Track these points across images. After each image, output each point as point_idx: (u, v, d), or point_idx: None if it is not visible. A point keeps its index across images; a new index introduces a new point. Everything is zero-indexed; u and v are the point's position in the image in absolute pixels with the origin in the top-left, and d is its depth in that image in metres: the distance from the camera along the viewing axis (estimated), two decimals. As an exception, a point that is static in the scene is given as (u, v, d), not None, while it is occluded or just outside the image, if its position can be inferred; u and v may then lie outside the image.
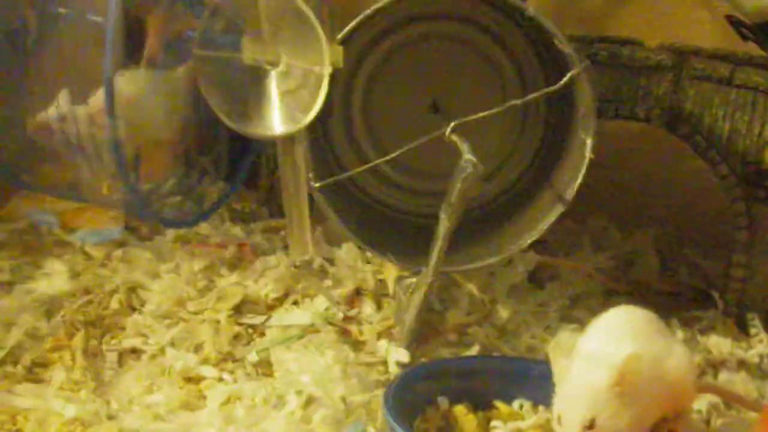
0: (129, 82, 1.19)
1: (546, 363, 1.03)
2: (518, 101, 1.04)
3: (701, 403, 1.01)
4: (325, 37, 0.80)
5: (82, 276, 1.22)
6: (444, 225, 0.97)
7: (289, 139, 0.87)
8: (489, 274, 1.23)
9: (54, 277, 1.21)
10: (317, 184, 1.04)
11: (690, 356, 0.89)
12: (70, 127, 1.16)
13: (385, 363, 1.05)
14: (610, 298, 1.27)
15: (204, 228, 1.35)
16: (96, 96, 1.15)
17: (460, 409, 0.95)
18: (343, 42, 0.95)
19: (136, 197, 1.17)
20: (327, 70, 0.80)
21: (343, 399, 0.95)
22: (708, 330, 1.18)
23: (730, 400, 1.02)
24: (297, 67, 0.83)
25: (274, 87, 0.85)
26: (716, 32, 1.37)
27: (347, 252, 1.23)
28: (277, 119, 0.86)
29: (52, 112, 1.16)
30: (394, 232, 1.19)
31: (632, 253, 1.42)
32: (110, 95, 1.01)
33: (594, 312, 1.19)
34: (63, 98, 1.14)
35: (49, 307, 1.14)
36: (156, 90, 1.22)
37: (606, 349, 0.82)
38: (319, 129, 1.17)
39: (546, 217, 1.10)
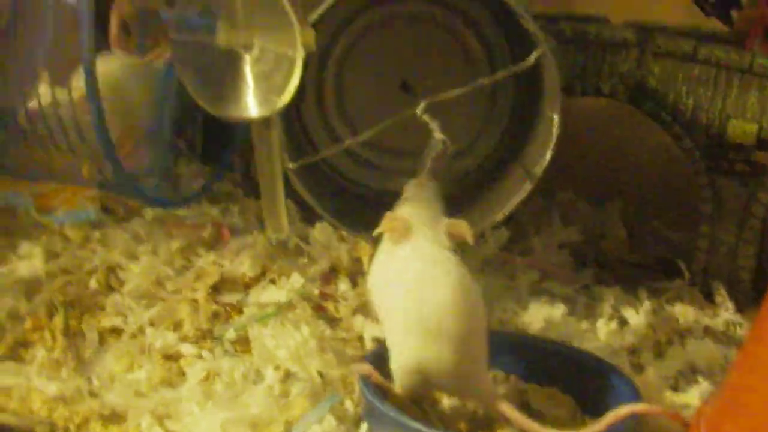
0: (104, 66, 1.20)
1: (518, 334, 1.07)
2: (486, 80, 1.06)
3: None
4: (297, 20, 0.82)
5: (60, 257, 1.23)
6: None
7: (264, 121, 0.89)
8: (461, 251, 1.25)
9: (33, 259, 1.22)
10: (292, 165, 1.06)
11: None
12: (62, 113, 1.15)
13: (361, 338, 1.07)
14: (580, 271, 1.31)
15: (180, 209, 1.37)
16: (77, 80, 1.15)
17: (433, 381, 0.97)
18: (315, 24, 0.97)
19: (123, 177, 1.17)
20: (300, 54, 0.82)
21: (320, 373, 0.97)
22: (675, 299, 1.21)
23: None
24: (270, 51, 0.85)
25: (248, 70, 0.87)
26: (680, 8, 1.40)
27: (321, 231, 1.25)
28: (252, 102, 0.87)
29: (43, 96, 1.15)
30: (368, 210, 1.21)
31: (600, 226, 1.45)
32: (91, 81, 1.01)
33: (563, 286, 1.23)
34: (44, 85, 1.13)
35: (29, 288, 1.16)
36: (133, 73, 1.23)
37: None
38: (292, 110, 1.18)
39: (515, 194, 1.12)
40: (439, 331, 0.82)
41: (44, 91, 1.12)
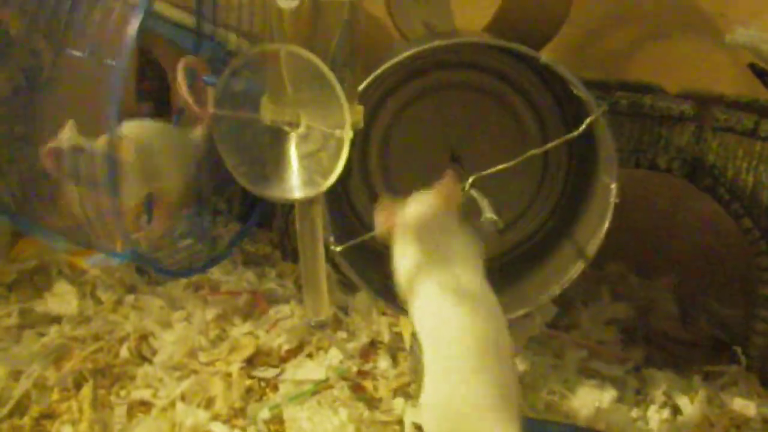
0: (139, 130, 1.18)
1: (568, 425, 1.02)
2: (537, 151, 1.02)
3: None
4: (346, 98, 0.78)
5: (92, 322, 1.20)
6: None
7: (307, 201, 0.85)
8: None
9: (63, 323, 1.19)
10: (339, 248, 1.02)
11: None
12: (86, 161, 1.12)
13: (401, 422, 1.02)
14: (628, 347, 1.25)
15: (216, 272, 1.33)
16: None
17: (478, 473, 0.92)
18: (359, 96, 0.93)
19: (135, 253, 1.14)
20: (348, 135, 0.78)
21: (358, 461, 0.93)
22: (730, 386, 1.16)
23: None
24: (317, 130, 0.81)
25: (293, 149, 0.83)
26: (736, 76, 1.35)
27: (361, 301, 1.21)
28: (296, 182, 0.83)
29: (66, 139, 1.11)
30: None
31: (650, 300, 1.40)
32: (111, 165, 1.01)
33: (612, 366, 1.18)
34: (71, 129, 1.09)
35: (58, 354, 1.13)
36: (164, 137, 1.21)
37: None
38: (338, 186, 1.15)
39: (568, 271, 1.07)
40: None
41: (67, 135, 1.09)
